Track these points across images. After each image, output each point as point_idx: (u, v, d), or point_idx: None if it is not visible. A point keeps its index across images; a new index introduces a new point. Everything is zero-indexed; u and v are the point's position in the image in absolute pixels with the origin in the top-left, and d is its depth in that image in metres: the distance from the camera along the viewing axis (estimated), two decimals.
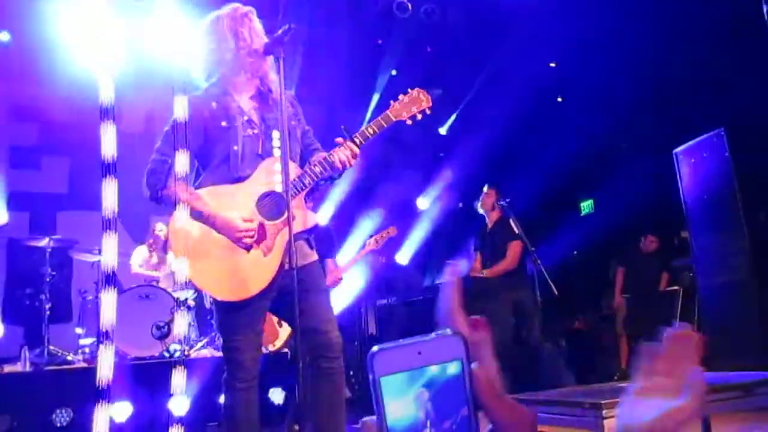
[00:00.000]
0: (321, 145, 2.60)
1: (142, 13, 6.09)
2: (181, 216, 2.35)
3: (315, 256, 2.51)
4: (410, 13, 6.24)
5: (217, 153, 2.42)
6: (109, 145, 2.69)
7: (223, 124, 2.40)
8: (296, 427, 4.35)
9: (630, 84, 6.28)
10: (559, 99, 7.43)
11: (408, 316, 4.54)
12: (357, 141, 2.42)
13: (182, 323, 5.07)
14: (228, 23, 2.44)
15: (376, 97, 6.84)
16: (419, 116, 2.55)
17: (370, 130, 2.45)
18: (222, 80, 2.44)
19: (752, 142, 4.66)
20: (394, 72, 6.81)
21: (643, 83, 6.20)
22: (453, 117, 7.22)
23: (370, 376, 0.46)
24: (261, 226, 2.34)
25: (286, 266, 2.28)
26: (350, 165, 2.42)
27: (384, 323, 5.19)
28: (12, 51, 5.94)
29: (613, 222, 6.59)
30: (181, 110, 2.44)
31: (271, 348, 4.61)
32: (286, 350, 4.79)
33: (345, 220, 6.58)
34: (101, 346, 2.70)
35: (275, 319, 4.43)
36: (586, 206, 7.74)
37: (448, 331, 0.48)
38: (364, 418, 0.47)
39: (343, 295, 5.98)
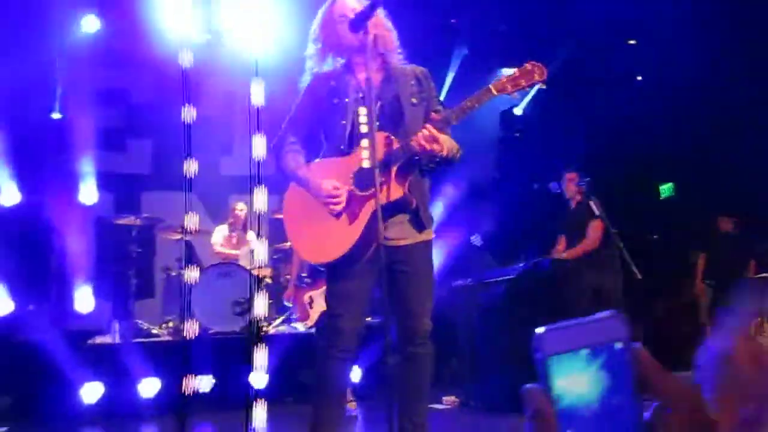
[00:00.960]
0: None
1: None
2: (292, 189, 2.57)
3: (422, 237, 2.46)
4: None
5: (330, 128, 2.52)
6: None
7: (335, 101, 2.49)
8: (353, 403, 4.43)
9: (712, 61, 5.99)
10: (639, 78, 7.16)
11: (481, 297, 4.51)
12: (453, 117, 2.37)
13: (260, 300, 5.22)
14: (318, 19, 2.57)
15: (450, 76, 6.78)
16: (528, 89, 2.41)
17: (468, 105, 2.35)
18: (336, 62, 2.54)
19: None
20: (467, 51, 6.73)
21: (726, 59, 5.91)
22: (529, 97, 7.08)
23: (537, 356, 0.47)
24: (353, 196, 2.39)
25: (387, 244, 2.31)
26: (429, 149, 2.31)
27: (457, 305, 5.17)
28: (102, 38, 6.20)
29: (694, 205, 6.34)
30: (257, 95, 2.57)
31: (302, 328, 4.69)
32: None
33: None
34: (185, 322, 2.88)
35: (306, 299, 4.56)
36: (666, 189, 7.46)
37: (610, 311, 0.48)
38: (527, 386, 0.47)
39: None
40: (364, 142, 2.40)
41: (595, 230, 4.55)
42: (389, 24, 2.56)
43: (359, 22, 2.30)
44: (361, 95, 2.46)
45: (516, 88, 2.36)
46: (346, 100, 2.47)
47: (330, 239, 2.41)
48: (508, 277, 4.37)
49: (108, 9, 6.16)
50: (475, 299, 4.55)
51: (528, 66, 2.38)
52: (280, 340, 4.98)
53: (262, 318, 5.24)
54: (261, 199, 2.80)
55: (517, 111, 7.11)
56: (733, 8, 5.69)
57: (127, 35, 6.10)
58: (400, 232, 2.40)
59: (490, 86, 2.36)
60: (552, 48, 6.59)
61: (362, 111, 2.45)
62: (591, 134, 6.65)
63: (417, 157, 2.39)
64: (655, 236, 6.38)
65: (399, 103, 2.47)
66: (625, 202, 6.38)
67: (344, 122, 2.45)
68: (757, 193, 5.51)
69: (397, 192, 2.38)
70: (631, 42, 6.94)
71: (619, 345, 0.46)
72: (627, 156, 6.59)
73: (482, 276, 4.75)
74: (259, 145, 3.77)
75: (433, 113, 2.45)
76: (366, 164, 2.39)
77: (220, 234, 5.96)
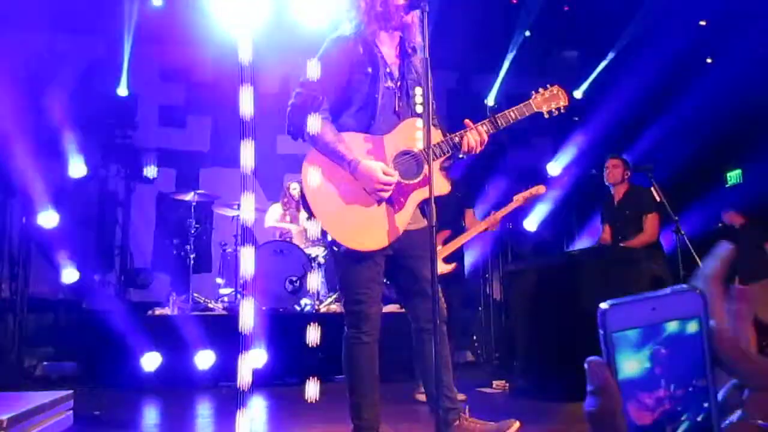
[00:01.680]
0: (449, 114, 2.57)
1: None
2: (314, 165, 2.37)
3: (425, 223, 2.44)
4: None
5: (357, 99, 2.42)
6: (247, 106, 2.77)
7: (369, 70, 2.40)
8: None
9: None
10: (709, 60, 6.86)
11: (535, 282, 4.44)
12: (499, 123, 2.41)
13: (314, 279, 5.30)
14: None
15: (509, 58, 6.65)
16: (555, 112, 2.55)
17: (513, 115, 2.45)
18: (368, 29, 2.43)
19: None
20: (528, 33, 6.57)
21: None
22: (590, 80, 6.88)
23: (601, 332, 0.45)
24: (398, 183, 2.35)
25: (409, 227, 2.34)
26: (476, 151, 2.39)
27: (510, 290, 5.12)
28: (162, 15, 6.33)
29: (764, 194, 6.06)
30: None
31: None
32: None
33: (474, 185, 6.51)
34: (241, 297, 2.80)
35: None
36: (734, 176, 7.17)
37: (685, 286, 0.46)
38: (590, 358, 0.45)
39: (467, 259, 5.97)
40: (419, 124, 2.37)
41: (652, 222, 4.41)
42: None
43: (417, 1, 2.27)
44: (388, 70, 2.42)
45: (548, 109, 2.53)
46: (378, 74, 2.40)
47: (373, 226, 2.33)
48: (556, 264, 4.29)
49: None
50: (528, 284, 4.49)
51: (555, 90, 2.53)
52: (332, 318, 5.04)
53: (315, 296, 5.33)
54: (249, 206, 2.58)
55: (577, 94, 6.92)
56: None
57: (189, 13, 6.20)
58: (414, 219, 2.41)
59: (531, 102, 2.49)
60: (615, 28, 6.39)
61: (418, 91, 2.42)
62: (656, 120, 6.43)
63: (457, 153, 2.39)
64: (720, 224, 6.12)
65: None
66: (692, 189, 6.17)
67: (377, 96, 2.38)
68: None
69: (443, 186, 2.37)
70: (702, 23, 6.64)
71: (692, 323, 0.45)
72: (694, 142, 6.35)
73: (535, 262, 4.68)
74: (247, 155, 3.41)
75: (466, 120, 2.43)
76: (417, 148, 2.36)
77: (274, 212, 6.04)
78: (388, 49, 2.48)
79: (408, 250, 2.39)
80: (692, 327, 0.45)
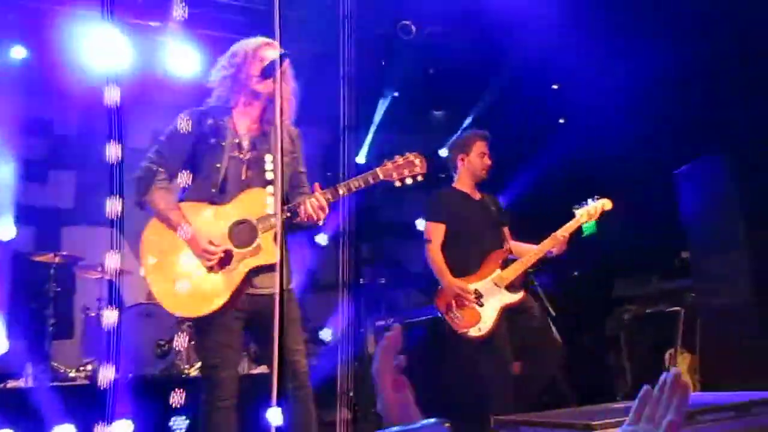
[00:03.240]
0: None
1: (153, 35, 6.22)
2: (155, 225, 2.43)
3: (288, 287, 2.54)
4: (413, 36, 6.32)
5: (202, 168, 2.50)
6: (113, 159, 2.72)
7: (212, 140, 2.47)
8: None
9: (632, 106, 6.31)
10: (561, 120, 7.47)
11: (407, 336, 4.54)
12: (340, 191, 2.45)
13: (183, 342, 5.10)
14: (236, 49, 2.60)
15: (377, 119, 6.89)
16: (409, 180, 2.57)
17: (356, 184, 2.48)
18: (225, 101, 2.52)
19: (754, 163, 4.69)
20: (396, 93, 6.87)
21: (645, 105, 6.24)
22: (454, 138, 7.25)
23: None
24: (228, 251, 2.37)
25: (251, 292, 2.36)
26: (316, 218, 2.41)
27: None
28: (27, 67, 6.07)
29: (614, 243, 6.59)
30: (175, 128, 2.51)
31: (477, 333, 3.49)
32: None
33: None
34: (104, 365, 2.73)
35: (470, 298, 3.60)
36: (588, 227, 7.73)
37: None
38: None
39: (343, 316, 6.00)
40: (261, 195, 2.41)
41: None
42: (293, 84, 2.61)
43: (272, 70, 2.35)
44: (237, 141, 2.49)
45: (400, 176, 2.54)
46: (223, 143, 2.47)
47: (200, 292, 2.37)
48: (429, 316, 4.43)
49: (35, 38, 6.03)
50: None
51: (411, 156, 2.57)
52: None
53: (184, 359, 5.13)
54: (115, 259, 2.61)
55: (443, 152, 7.27)
56: (649, 51, 6.01)
57: (54, 64, 5.98)
58: (269, 281, 2.44)
59: (378, 171, 2.54)
60: (477, 90, 6.82)
61: (268, 158, 2.48)
62: (515, 176, 6.86)
63: (297, 221, 2.44)
64: (575, 273, 6.59)
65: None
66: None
67: (218, 165, 2.45)
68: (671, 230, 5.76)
69: (272, 255, 2.39)
70: (555, 86, 7.24)
71: None
72: (550, 196, 6.81)
73: (405, 315, 4.79)
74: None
75: (316, 184, 2.50)
76: (250, 216, 2.39)
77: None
78: (245, 119, 2.54)
79: (264, 316, 2.40)
80: None
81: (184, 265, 2.38)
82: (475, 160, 3.85)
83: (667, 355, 5.12)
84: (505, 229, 3.87)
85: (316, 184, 2.50)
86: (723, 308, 4.70)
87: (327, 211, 2.43)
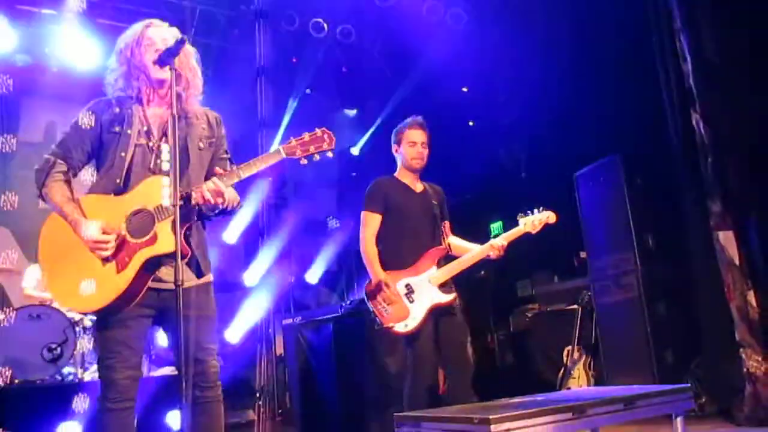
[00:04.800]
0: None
1: (47, 22, 5.88)
2: (53, 219, 2.34)
3: (200, 281, 2.46)
4: (326, 33, 6.28)
5: (107, 158, 2.39)
6: None
7: (116, 129, 2.37)
8: None
9: (535, 109, 6.54)
10: (471, 123, 7.64)
11: (315, 334, 4.50)
12: (242, 173, 2.36)
13: (79, 345, 4.83)
14: (125, 39, 2.47)
15: (288, 115, 6.81)
16: (317, 156, 2.47)
17: (255, 166, 2.38)
18: (128, 88, 2.42)
19: (644, 167, 4.94)
20: (308, 90, 6.81)
21: (550, 109, 6.47)
22: (366, 137, 7.29)
23: None
24: (124, 241, 2.29)
25: (158, 287, 2.28)
26: (213, 203, 2.32)
27: (291, 343, 5.12)
28: None
29: (519, 242, 6.78)
30: (80, 118, 2.40)
31: (403, 329, 3.36)
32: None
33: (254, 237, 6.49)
34: None
35: (402, 291, 3.43)
36: (496, 227, 7.95)
37: None
38: None
39: (249, 315, 5.89)
40: (159, 183, 2.32)
41: None
42: (197, 66, 2.52)
43: (166, 57, 2.25)
44: (145, 128, 2.40)
45: (305, 153, 2.43)
46: (129, 131, 2.38)
47: (94, 286, 2.26)
48: (335, 315, 4.41)
49: None
50: (304, 338, 4.53)
51: (318, 132, 2.46)
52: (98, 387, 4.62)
53: (78, 363, 4.87)
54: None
55: (354, 151, 7.30)
56: (552, 56, 6.23)
57: None
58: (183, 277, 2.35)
59: (280, 148, 2.42)
60: (388, 90, 6.87)
61: (165, 148, 2.38)
62: (425, 176, 6.95)
63: (197, 207, 2.36)
64: (482, 272, 6.74)
65: (185, 144, 2.43)
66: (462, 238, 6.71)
67: (123, 154, 2.35)
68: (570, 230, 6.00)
69: (169, 244, 2.27)
70: (464, 89, 7.38)
71: None
72: (460, 196, 6.95)
73: (312, 314, 4.75)
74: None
75: (217, 168, 2.43)
76: (151, 206, 2.30)
77: (32, 276, 5.45)
78: (154, 106, 2.44)
79: (173, 312, 2.29)
80: None
81: (79, 259, 2.27)
82: (406, 149, 3.71)
83: (565, 352, 5.31)
84: (446, 224, 3.74)
85: (216, 169, 2.41)
86: (616, 306, 4.93)
87: (226, 196, 2.32)
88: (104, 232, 2.27)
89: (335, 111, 7.23)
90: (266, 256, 6.03)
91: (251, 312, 5.89)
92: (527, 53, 6.28)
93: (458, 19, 6.54)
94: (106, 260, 2.28)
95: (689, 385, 3.42)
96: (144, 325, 2.37)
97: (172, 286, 2.19)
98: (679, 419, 2.54)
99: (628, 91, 5.44)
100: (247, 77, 6.40)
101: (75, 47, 5.86)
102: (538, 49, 6.20)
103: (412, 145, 3.70)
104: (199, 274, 2.45)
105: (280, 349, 5.83)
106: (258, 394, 5.40)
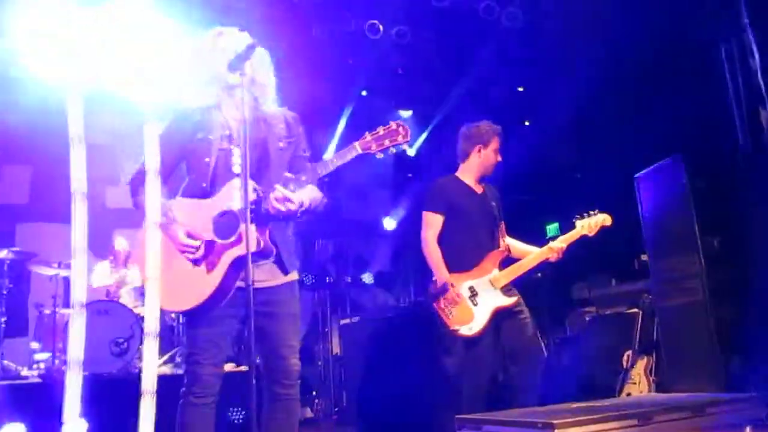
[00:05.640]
0: None
1: (114, 24, 6.08)
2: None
3: (288, 278, 2.50)
4: (381, 35, 6.31)
5: (193, 165, 2.48)
6: (78, 169, 2.65)
7: (199, 136, 2.44)
8: None
9: (594, 108, 6.42)
10: (527, 123, 7.55)
11: (372, 335, 4.53)
12: (319, 171, 2.38)
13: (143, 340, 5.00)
14: (198, 47, 2.54)
15: (345, 116, 6.88)
16: (393, 150, 2.44)
17: (332, 164, 2.38)
18: (206, 95, 2.50)
19: (708, 167, 4.79)
20: (364, 92, 6.86)
21: (607, 109, 6.35)
22: (421, 138, 7.29)
23: None
24: (212, 243, 2.35)
25: (242, 285, 2.33)
26: (284, 210, 2.32)
27: (348, 342, 5.18)
28: None
29: (574, 245, 6.68)
30: (151, 132, 2.46)
31: (468, 332, 3.36)
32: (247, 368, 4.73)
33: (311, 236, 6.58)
34: (69, 373, 2.64)
35: (466, 294, 3.42)
36: (552, 229, 7.85)
37: None
38: None
39: (306, 314, 5.97)
40: (235, 183, 2.37)
41: None
42: (270, 69, 2.58)
43: (237, 63, 2.31)
44: (227, 132, 2.46)
45: (380, 147, 2.40)
46: (211, 137, 2.45)
47: (186, 287, 2.35)
48: (392, 315, 4.43)
49: None
50: (360, 338, 4.57)
51: (393, 125, 2.43)
52: (161, 381, 4.76)
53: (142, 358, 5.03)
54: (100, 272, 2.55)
55: (410, 152, 7.30)
56: (612, 54, 6.11)
57: (8, 56, 5.79)
58: (262, 275, 2.40)
59: (356, 144, 2.41)
60: (444, 91, 6.85)
61: (236, 152, 2.44)
62: None
63: (273, 215, 2.39)
64: (538, 274, 6.66)
65: (265, 146, 2.48)
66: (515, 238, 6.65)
67: (208, 160, 2.42)
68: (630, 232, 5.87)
69: (255, 243, 2.33)
70: (520, 89, 7.31)
71: None
72: (516, 197, 6.88)
73: (369, 314, 4.78)
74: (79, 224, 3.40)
75: (286, 173, 2.46)
76: (233, 206, 2.36)
77: (100, 271, 5.67)
78: (232, 110, 2.50)
79: (264, 306, 2.36)
80: None
81: (172, 261, 2.36)
82: (490, 154, 3.69)
83: (625, 357, 5.20)
84: (502, 225, 3.74)
85: (285, 174, 2.43)
86: (679, 310, 4.80)
87: (294, 200, 2.31)
88: (190, 236, 2.34)
89: (390, 112, 7.24)
90: (323, 255, 6.10)
91: (308, 310, 5.98)
92: (584, 52, 6.18)
93: (514, 19, 6.47)
94: (195, 262, 2.36)
95: (760, 394, 3.30)
96: (231, 323, 2.43)
97: (258, 285, 2.27)
98: (748, 429, 2.46)
99: (690, 88, 5.29)
100: (303, 79, 6.48)
101: (138, 57, 6.04)
102: (595, 48, 6.08)
103: (497, 153, 3.72)
104: (285, 272, 2.49)
105: (336, 349, 5.90)
106: (314, 392, 5.49)
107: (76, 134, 2.56)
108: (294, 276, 2.54)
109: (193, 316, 2.40)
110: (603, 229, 3.63)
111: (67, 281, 5.55)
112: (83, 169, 2.54)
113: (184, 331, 2.52)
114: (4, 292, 5.17)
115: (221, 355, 2.42)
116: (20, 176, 6.58)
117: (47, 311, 5.36)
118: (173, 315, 5.04)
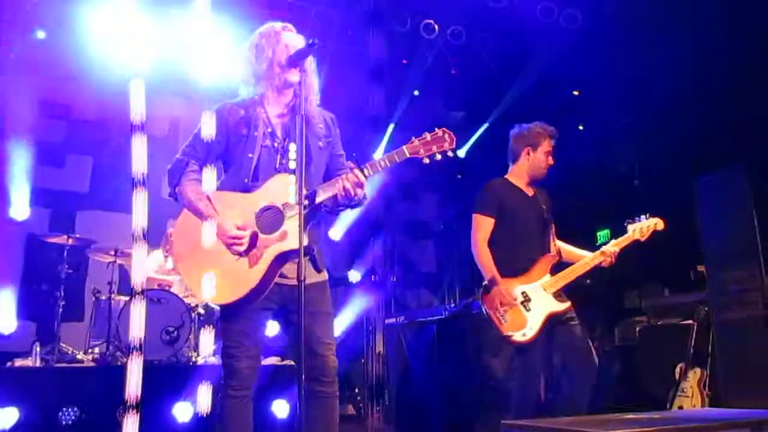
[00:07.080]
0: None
1: (174, 21, 6.23)
2: (185, 217, 2.47)
3: (321, 277, 2.53)
4: (436, 35, 6.29)
5: (235, 159, 2.51)
6: (140, 158, 2.71)
7: (243, 131, 2.48)
8: None
9: (651, 115, 6.26)
10: (581, 127, 7.41)
11: (417, 335, 4.52)
12: (365, 172, 2.42)
13: (193, 329, 5.10)
14: (259, 39, 2.57)
15: (396, 116, 6.88)
16: (438, 156, 2.49)
17: (381, 164, 2.44)
18: (255, 91, 2.54)
19: None
20: (416, 92, 6.84)
21: (664, 115, 6.18)
22: (472, 140, 7.23)
23: None
24: (255, 237, 2.38)
25: (281, 282, 2.35)
26: (354, 194, 2.38)
27: (392, 342, 5.18)
28: (46, 48, 6.07)
29: (627, 253, 6.53)
30: (207, 121, 2.52)
31: (521, 338, 3.30)
32: (292, 363, 4.78)
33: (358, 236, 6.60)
34: (130, 359, 2.70)
35: (519, 299, 3.37)
36: (603, 235, 7.68)
37: None
38: None
39: (349, 313, 5.99)
40: (286, 180, 2.40)
41: None
42: (315, 68, 2.61)
43: (298, 58, 2.34)
44: (269, 130, 2.49)
45: (428, 153, 2.45)
46: (255, 133, 2.47)
47: (228, 279, 2.36)
48: (439, 317, 4.41)
49: (54, 22, 6.05)
50: (405, 338, 4.55)
51: (439, 132, 2.48)
52: (210, 370, 4.86)
53: (193, 347, 5.14)
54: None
55: (461, 153, 7.25)
56: (670, 58, 5.95)
57: (72, 48, 5.99)
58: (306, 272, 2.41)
59: (404, 148, 2.45)
60: (497, 92, 6.78)
61: (293, 147, 2.47)
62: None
63: (340, 204, 2.42)
64: (588, 281, 6.53)
65: (307, 144, 2.49)
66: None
67: (251, 155, 2.45)
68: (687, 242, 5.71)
69: (309, 238, 2.36)
70: (576, 93, 7.18)
71: None
72: (567, 202, 6.77)
73: (414, 314, 4.77)
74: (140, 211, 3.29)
75: (348, 162, 2.48)
76: (276, 201, 2.39)
77: (154, 260, 5.81)
78: (277, 108, 2.54)
79: (293, 307, 2.38)
80: None
81: (213, 253, 2.38)
82: (540, 156, 3.61)
83: (677, 369, 5.05)
84: (552, 229, 3.67)
85: (348, 162, 2.47)
86: (737, 323, 4.63)
87: (364, 187, 2.38)
88: (238, 229, 2.37)
89: (442, 113, 7.22)
90: (371, 255, 6.11)
91: (353, 309, 6.01)
92: (643, 55, 6.03)
93: (572, 21, 6.36)
94: (239, 255, 2.38)
95: None
96: (265, 318, 2.48)
97: (294, 282, 2.27)
98: None
99: (753, 94, 5.11)
100: (358, 78, 6.52)
101: (200, 49, 6.15)
102: (654, 52, 5.93)
103: (548, 155, 3.63)
104: (318, 270, 2.53)
105: (380, 347, 5.91)
106: (357, 390, 5.50)
107: (138, 121, 2.65)
108: (325, 275, 2.56)
109: (229, 308, 2.41)
110: (655, 235, 3.51)
111: (123, 269, 5.71)
112: (144, 155, 2.62)
113: (220, 324, 2.52)
114: (63, 277, 5.32)
115: (255, 349, 2.45)
116: (82, 166, 6.79)
117: (103, 297, 5.51)
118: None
